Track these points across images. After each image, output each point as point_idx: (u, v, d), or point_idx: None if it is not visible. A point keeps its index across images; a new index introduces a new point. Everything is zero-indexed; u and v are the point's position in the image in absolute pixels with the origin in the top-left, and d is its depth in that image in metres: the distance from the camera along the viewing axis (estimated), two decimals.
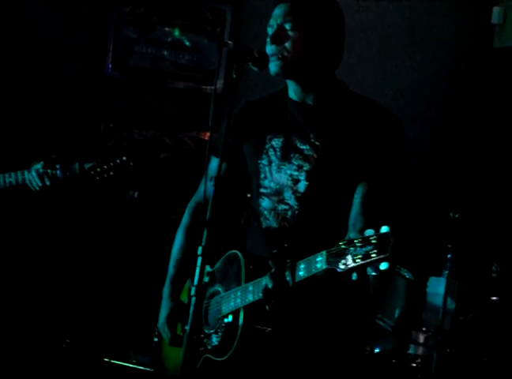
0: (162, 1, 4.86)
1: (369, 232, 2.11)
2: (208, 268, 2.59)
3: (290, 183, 2.57)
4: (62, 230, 4.70)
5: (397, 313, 4.14)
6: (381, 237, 2.08)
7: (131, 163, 3.55)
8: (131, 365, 4.32)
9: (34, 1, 4.79)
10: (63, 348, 4.44)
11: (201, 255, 2.27)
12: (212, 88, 3.25)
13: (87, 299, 4.67)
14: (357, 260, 2.11)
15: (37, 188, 3.56)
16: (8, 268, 4.58)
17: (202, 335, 2.59)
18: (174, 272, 2.77)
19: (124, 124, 4.81)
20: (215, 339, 2.55)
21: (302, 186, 2.55)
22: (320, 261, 2.21)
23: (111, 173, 3.54)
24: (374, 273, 2.09)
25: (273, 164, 2.60)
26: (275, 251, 2.37)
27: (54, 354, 4.43)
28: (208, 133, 4.50)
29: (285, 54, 2.52)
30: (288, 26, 2.52)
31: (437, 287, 4.10)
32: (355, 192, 2.47)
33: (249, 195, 2.70)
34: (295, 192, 2.56)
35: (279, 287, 2.32)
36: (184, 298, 2.73)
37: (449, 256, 4.07)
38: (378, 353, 4.09)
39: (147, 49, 4.85)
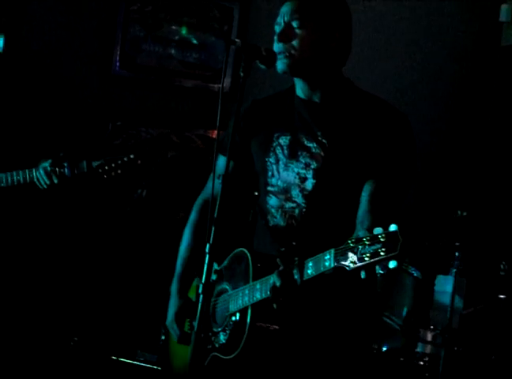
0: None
1: (377, 230, 2.10)
2: (215, 266, 2.60)
3: (297, 181, 2.56)
4: (70, 229, 4.71)
5: (404, 311, 4.13)
6: (390, 235, 2.07)
7: (139, 161, 3.56)
8: (139, 363, 4.32)
9: (41, 1, 4.79)
10: (71, 346, 4.45)
11: (208, 253, 2.27)
12: (220, 86, 3.26)
13: (95, 297, 4.68)
14: (366, 259, 2.10)
15: (45, 186, 3.56)
16: (16, 266, 4.60)
17: (210, 334, 2.59)
18: (181, 269, 2.77)
19: (131, 122, 4.81)
20: (222, 337, 2.55)
21: (309, 184, 2.54)
22: (328, 259, 2.20)
23: (119, 171, 3.54)
24: (382, 271, 2.09)
25: (281, 162, 2.60)
26: (283, 249, 2.36)
27: (62, 352, 4.43)
28: (215, 131, 4.50)
29: (292, 52, 2.51)
30: (295, 24, 2.51)
31: (445, 285, 4.10)
32: (363, 189, 2.46)
33: (256, 193, 2.70)
34: (302, 190, 2.55)
35: (287, 285, 2.31)
36: (192, 295, 2.73)
37: (456, 254, 4.06)
38: (385, 351, 4.08)
39: (154, 47, 4.85)
